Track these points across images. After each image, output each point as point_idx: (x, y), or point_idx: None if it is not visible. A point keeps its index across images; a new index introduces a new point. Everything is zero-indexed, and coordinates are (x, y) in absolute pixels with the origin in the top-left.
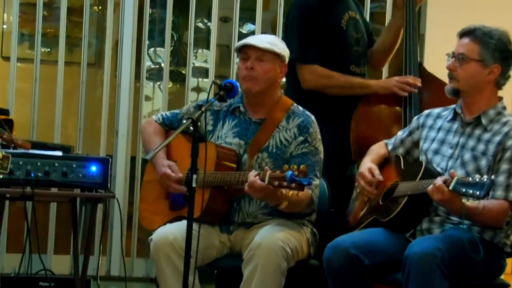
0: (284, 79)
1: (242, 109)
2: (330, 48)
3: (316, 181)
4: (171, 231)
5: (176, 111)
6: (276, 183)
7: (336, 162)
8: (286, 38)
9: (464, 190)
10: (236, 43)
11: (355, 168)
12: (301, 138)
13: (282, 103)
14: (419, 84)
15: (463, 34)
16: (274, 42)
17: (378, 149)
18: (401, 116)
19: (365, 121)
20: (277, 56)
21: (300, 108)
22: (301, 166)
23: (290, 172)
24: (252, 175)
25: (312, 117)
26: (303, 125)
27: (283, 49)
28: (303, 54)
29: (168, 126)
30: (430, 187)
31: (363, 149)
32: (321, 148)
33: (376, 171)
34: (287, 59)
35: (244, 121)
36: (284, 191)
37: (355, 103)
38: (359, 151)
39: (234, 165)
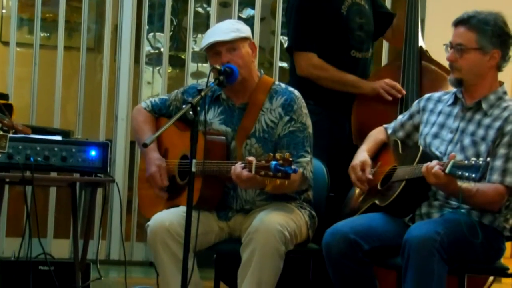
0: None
1: (224, 96)
2: (330, 34)
3: (307, 157)
4: (168, 217)
5: (165, 97)
6: (263, 172)
7: (335, 146)
8: (287, 24)
9: (460, 172)
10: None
11: None
12: (287, 117)
13: (263, 84)
14: (404, 93)
15: (458, 23)
16: (236, 28)
17: (376, 135)
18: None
19: (366, 105)
20: (245, 39)
21: (282, 85)
22: (286, 154)
23: (274, 163)
24: (239, 167)
25: (296, 92)
26: (287, 103)
27: (246, 30)
28: (299, 41)
29: (157, 113)
30: (424, 168)
31: (364, 133)
32: (308, 122)
33: (368, 168)
34: (252, 37)
35: (228, 107)
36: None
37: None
38: (360, 135)
39: (224, 150)
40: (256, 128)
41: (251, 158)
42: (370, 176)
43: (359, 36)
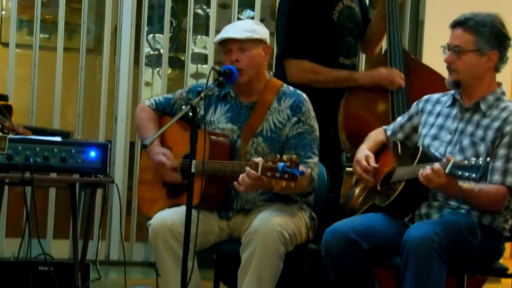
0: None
1: (232, 94)
2: (319, 41)
3: (315, 159)
4: (170, 217)
5: (169, 95)
6: (269, 173)
7: (320, 150)
8: (276, 29)
9: (460, 173)
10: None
11: (344, 156)
12: (295, 118)
13: (272, 85)
14: (403, 83)
15: (455, 24)
16: (252, 29)
17: (376, 136)
18: (389, 104)
19: (352, 111)
20: (259, 41)
21: (291, 88)
22: (293, 156)
23: (281, 164)
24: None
25: (304, 95)
26: (295, 105)
27: (262, 33)
28: (290, 48)
29: (161, 111)
30: (422, 177)
31: (352, 137)
32: (316, 125)
33: (372, 160)
34: (268, 40)
35: (236, 105)
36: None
37: (339, 92)
38: (350, 139)
39: (228, 150)
40: (264, 127)
41: (258, 159)
42: (376, 165)
43: (348, 42)
